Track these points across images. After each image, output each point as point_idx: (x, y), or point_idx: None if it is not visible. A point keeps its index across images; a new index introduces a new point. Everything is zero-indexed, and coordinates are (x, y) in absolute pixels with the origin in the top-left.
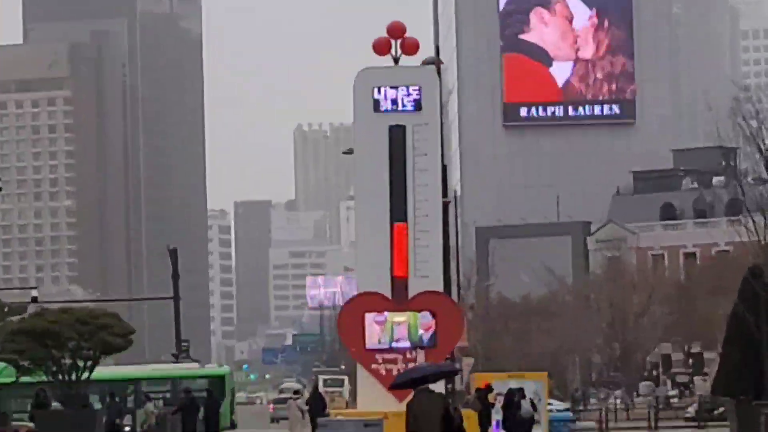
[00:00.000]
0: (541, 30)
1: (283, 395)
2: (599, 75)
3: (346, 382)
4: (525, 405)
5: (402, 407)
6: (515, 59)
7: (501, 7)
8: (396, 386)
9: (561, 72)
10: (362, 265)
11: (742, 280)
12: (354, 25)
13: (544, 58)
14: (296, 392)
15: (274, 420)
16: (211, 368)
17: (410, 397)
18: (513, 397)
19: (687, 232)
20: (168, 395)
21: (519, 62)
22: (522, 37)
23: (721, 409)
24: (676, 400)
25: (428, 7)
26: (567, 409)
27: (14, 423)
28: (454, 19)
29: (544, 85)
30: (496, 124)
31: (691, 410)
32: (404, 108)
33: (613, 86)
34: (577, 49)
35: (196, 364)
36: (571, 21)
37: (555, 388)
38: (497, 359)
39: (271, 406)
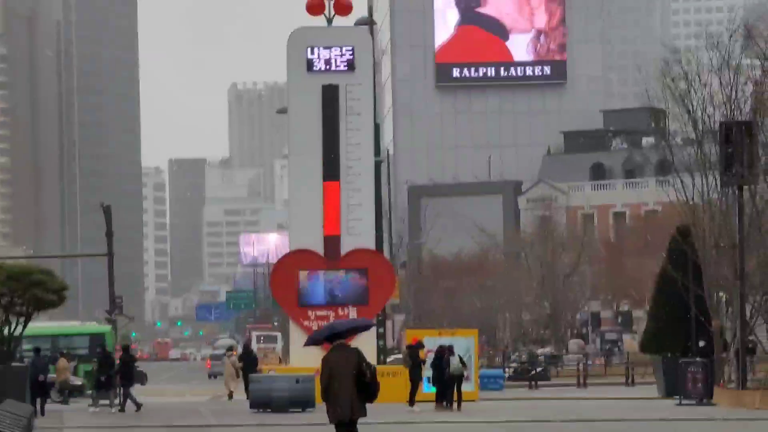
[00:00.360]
0: (498, 3)
1: (218, 351)
2: (552, 46)
3: (279, 338)
4: (454, 361)
5: None
6: (470, 31)
7: None
8: (311, 342)
9: (517, 44)
10: (295, 223)
11: (670, 239)
12: None
13: (500, 31)
14: (230, 348)
15: (212, 376)
16: (92, 326)
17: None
18: (443, 354)
19: (616, 192)
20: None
21: (474, 34)
22: (479, 10)
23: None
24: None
25: None
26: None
27: None
28: None
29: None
30: (428, 84)
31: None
32: (337, 68)
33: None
34: (533, 21)
35: (77, 322)
36: None
37: (486, 344)
38: (428, 317)
39: (208, 362)
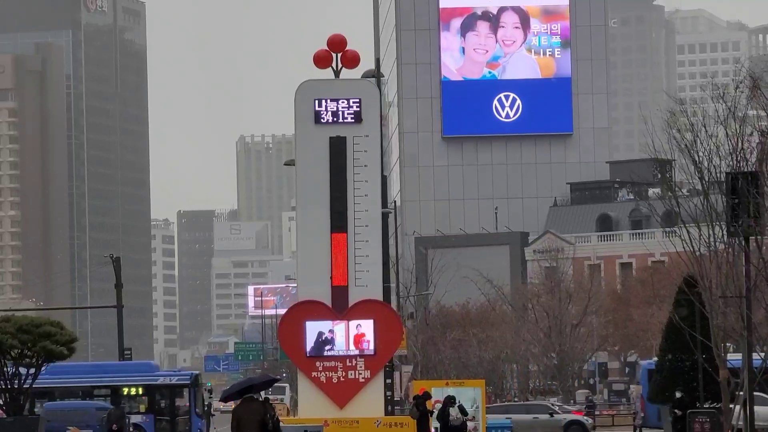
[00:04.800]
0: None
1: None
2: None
3: (288, 389)
4: (453, 412)
5: (342, 414)
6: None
7: (442, 20)
8: (226, 397)
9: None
10: (303, 274)
11: (676, 290)
12: (296, 37)
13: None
14: None
15: None
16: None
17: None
18: (447, 405)
19: (623, 243)
20: None
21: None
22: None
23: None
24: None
25: (370, 20)
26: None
27: None
28: (395, 31)
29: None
30: (435, 136)
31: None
32: (345, 120)
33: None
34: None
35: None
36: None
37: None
38: (436, 367)
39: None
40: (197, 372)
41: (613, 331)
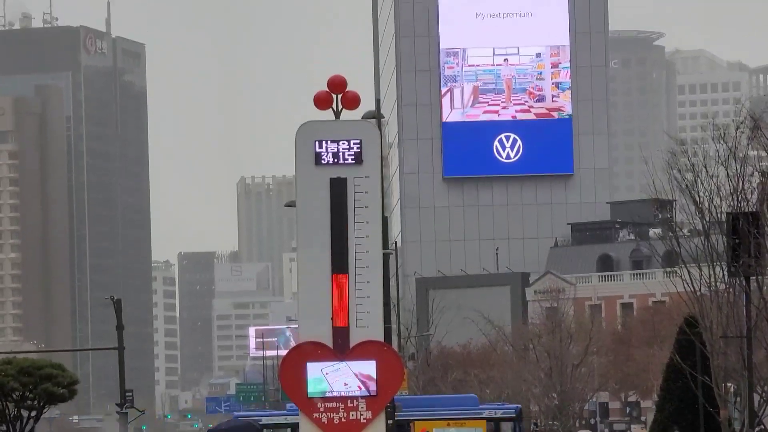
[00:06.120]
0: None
1: None
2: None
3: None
4: None
5: None
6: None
7: (443, 61)
8: None
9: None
10: (304, 315)
11: (677, 330)
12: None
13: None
14: None
15: None
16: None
17: None
18: None
19: (624, 284)
20: None
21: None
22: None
23: None
24: None
25: (370, 61)
26: None
27: None
28: (395, 72)
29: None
30: (435, 177)
31: None
32: (345, 161)
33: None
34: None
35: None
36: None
37: None
38: None
39: None
40: (519, 405)
41: (614, 372)
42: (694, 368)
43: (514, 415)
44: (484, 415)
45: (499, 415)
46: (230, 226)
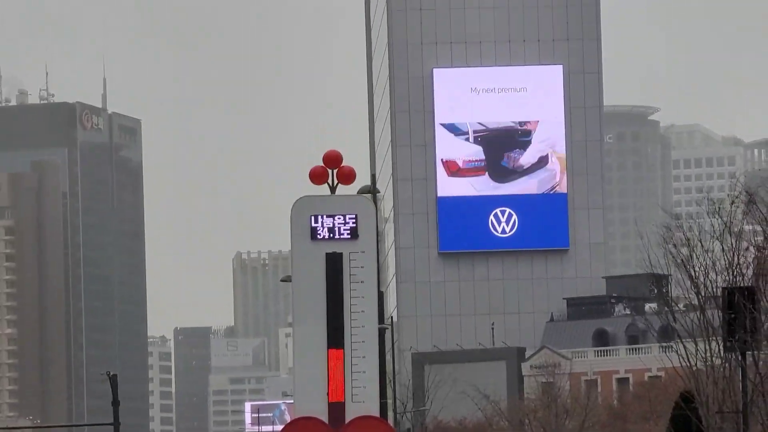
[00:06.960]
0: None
1: None
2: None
3: None
4: None
5: None
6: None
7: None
8: None
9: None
10: (299, 390)
11: (673, 405)
12: (292, 154)
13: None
14: None
15: None
16: None
17: None
18: None
19: (620, 359)
20: None
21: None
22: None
23: None
24: None
25: (366, 136)
26: None
27: None
28: (390, 147)
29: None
30: (431, 251)
31: None
32: (341, 236)
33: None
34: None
35: None
36: None
37: None
38: None
39: None
40: None
41: None
42: None
43: None
44: None
45: None
46: (226, 301)
